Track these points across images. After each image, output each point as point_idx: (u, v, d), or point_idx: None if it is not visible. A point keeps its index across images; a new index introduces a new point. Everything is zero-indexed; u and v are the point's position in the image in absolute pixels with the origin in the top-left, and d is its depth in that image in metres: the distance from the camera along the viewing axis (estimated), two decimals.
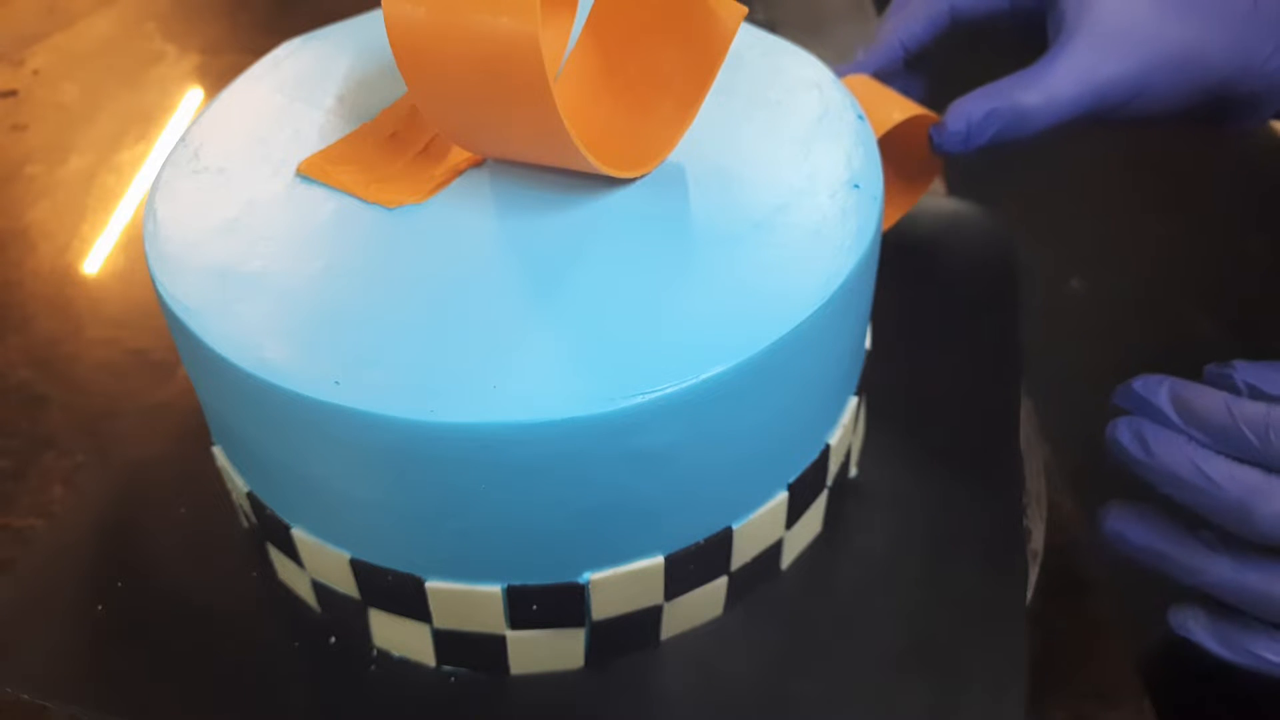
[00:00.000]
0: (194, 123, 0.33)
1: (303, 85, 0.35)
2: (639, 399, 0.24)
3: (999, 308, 0.43)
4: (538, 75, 0.25)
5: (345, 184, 0.30)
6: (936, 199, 0.49)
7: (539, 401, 0.24)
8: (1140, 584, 0.32)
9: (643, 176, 0.30)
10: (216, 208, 0.30)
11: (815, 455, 0.31)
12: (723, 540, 0.30)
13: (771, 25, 0.38)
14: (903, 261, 0.44)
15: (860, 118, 0.33)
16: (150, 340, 0.48)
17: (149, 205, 0.30)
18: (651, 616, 0.30)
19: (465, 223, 0.29)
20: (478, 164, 0.31)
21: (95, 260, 0.54)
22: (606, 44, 0.31)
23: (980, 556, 0.34)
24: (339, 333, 0.26)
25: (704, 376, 0.25)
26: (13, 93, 0.67)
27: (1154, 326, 0.50)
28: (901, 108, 0.37)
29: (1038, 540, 0.35)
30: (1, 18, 0.74)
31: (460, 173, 0.30)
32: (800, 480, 0.31)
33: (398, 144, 0.31)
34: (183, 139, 0.32)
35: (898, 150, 0.40)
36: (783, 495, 0.30)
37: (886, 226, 0.43)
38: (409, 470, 0.25)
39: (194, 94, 0.67)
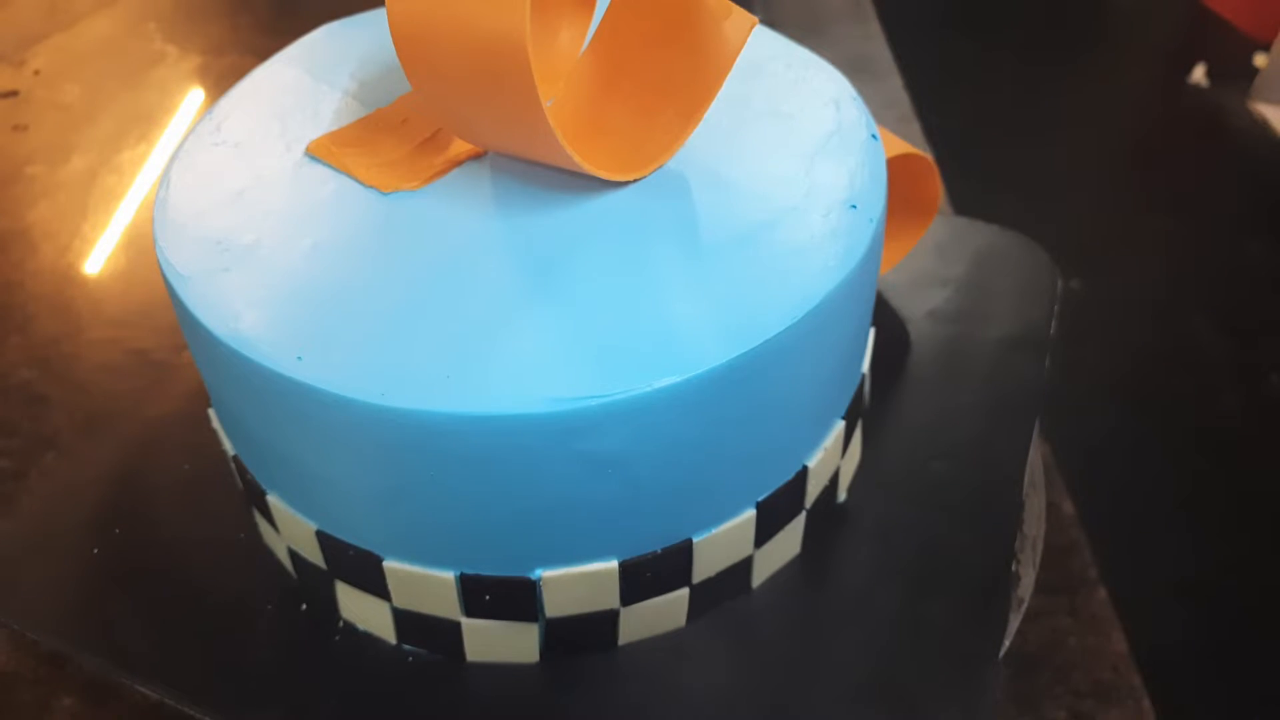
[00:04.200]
0: (223, 98, 0.34)
1: (331, 68, 0.35)
2: (586, 402, 0.24)
3: (1026, 346, 0.41)
4: (523, 70, 0.25)
5: (348, 166, 0.31)
6: (978, 226, 0.47)
7: (489, 395, 0.24)
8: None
9: (637, 180, 0.30)
10: (227, 180, 0.31)
11: (789, 476, 0.31)
12: (682, 551, 0.29)
13: (771, 25, 0.37)
14: (934, 290, 0.43)
15: (874, 138, 0.32)
16: (150, 340, 0.48)
17: (165, 173, 0.31)
18: (608, 619, 0.30)
19: (455, 214, 0.29)
20: (478, 156, 0.31)
21: (96, 260, 0.54)
22: (615, 49, 0.31)
23: (961, 599, 0.33)
24: (312, 310, 0.27)
25: (655, 386, 0.25)
26: (14, 93, 0.67)
27: (1153, 326, 0.49)
28: (890, 144, 0.36)
29: (1026, 588, 0.34)
30: (2, 18, 0.75)
31: (458, 164, 0.31)
32: (771, 500, 0.30)
33: (406, 131, 0.32)
34: (209, 112, 0.34)
35: (894, 188, 0.39)
36: (750, 513, 0.30)
37: (892, 263, 0.42)
38: (363, 450, 0.26)
39: (195, 95, 0.67)
